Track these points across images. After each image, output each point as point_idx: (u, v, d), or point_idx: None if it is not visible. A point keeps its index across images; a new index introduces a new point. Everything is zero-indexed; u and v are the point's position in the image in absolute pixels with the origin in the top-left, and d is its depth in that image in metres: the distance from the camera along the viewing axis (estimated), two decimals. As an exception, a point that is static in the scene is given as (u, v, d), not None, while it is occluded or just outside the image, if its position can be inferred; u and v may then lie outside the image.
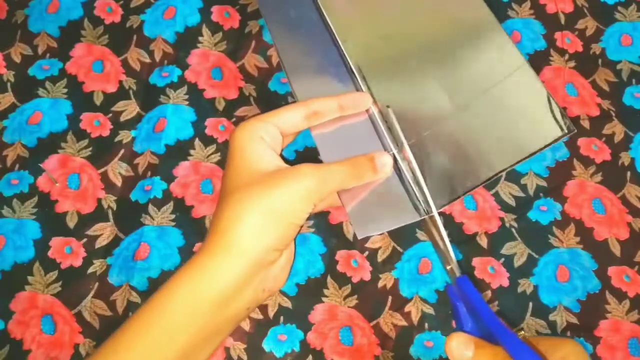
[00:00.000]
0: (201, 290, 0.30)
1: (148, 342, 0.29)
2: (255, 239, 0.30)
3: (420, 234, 0.44)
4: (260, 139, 0.33)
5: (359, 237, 0.34)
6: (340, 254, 0.44)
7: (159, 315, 0.29)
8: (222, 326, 0.31)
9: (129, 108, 0.48)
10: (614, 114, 0.48)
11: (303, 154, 0.47)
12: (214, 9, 0.52)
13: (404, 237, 0.44)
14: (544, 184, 0.45)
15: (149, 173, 0.46)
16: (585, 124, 0.47)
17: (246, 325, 0.42)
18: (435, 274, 0.43)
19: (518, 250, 0.44)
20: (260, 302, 0.34)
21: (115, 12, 0.52)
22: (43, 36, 0.51)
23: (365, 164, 0.34)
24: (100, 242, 0.44)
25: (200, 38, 0.50)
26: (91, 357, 0.30)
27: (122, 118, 0.48)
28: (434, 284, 0.43)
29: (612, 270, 0.43)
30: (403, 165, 0.36)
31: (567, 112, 0.48)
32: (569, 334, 0.41)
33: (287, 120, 0.34)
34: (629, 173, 0.46)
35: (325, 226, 0.44)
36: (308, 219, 0.43)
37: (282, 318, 0.42)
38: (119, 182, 0.46)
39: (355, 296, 0.42)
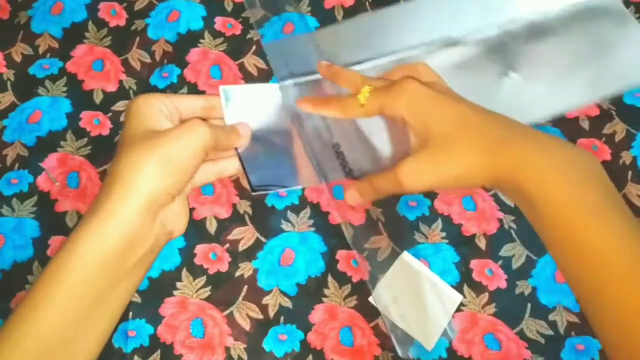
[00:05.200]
0: (105, 240, 0.30)
1: (63, 295, 0.29)
2: (151, 182, 0.31)
3: (419, 236, 0.41)
4: (159, 109, 0.34)
5: (255, 187, 0.38)
6: (340, 254, 0.41)
7: (69, 270, 0.29)
8: (131, 271, 0.31)
9: (130, 108, 0.45)
10: (614, 113, 0.45)
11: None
12: (217, 19, 0.49)
13: (402, 237, 0.41)
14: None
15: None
16: (585, 124, 0.45)
17: (246, 325, 0.39)
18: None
19: (517, 252, 0.41)
20: (163, 245, 0.34)
21: (119, 15, 0.49)
22: (45, 37, 0.48)
23: (235, 130, 0.38)
24: (100, 242, 0.41)
25: (201, 40, 0.48)
26: (12, 316, 0.29)
27: (122, 118, 0.45)
28: (434, 284, 0.40)
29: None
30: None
31: (566, 114, 0.45)
32: (572, 334, 0.39)
33: (187, 104, 0.36)
34: (630, 172, 0.43)
35: (325, 225, 0.42)
36: (309, 218, 0.41)
37: (282, 318, 0.40)
38: (118, 182, 0.43)
39: (355, 296, 0.40)
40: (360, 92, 0.35)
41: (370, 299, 0.40)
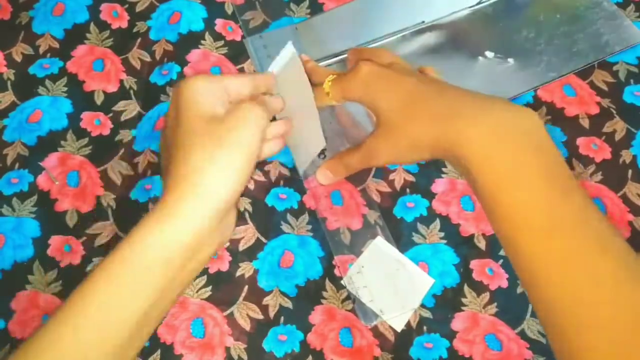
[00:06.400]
0: (175, 234, 0.27)
1: (122, 292, 0.26)
2: (225, 180, 0.28)
3: (417, 237, 0.41)
4: (213, 93, 0.31)
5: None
6: (338, 258, 0.40)
7: (132, 267, 0.26)
8: (187, 277, 0.29)
9: (130, 108, 0.45)
10: (615, 111, 0.44)
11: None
12: (218, 21, 0.49)
13: (400, 239, 0.41)
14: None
15: (149, 172, 0.43)
16: (585, 122, 0.44)
17: (247, 325, 0.39)
18: (434, 278, 0.40)
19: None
20: (215, 252, 0.32)
21: (121, 16, 0.49)
22: (46, 37, 0.48)
23: (273, 101, 0.35)
24: (100, 241, 0.41)
25: (202, 41, 0.47)
26: (59, 310, 0.26)
27: (123, 118, 0.45)
28: (432, 289, 0.40)
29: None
30: None
31: (566, 112, 0.45)
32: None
33: (234, 85, 0.33)
34: (630, 171, 0.43)
35: (322, 231, 0.41)
36: (307, 223, 0.42)
37: (282, 318, 0.39)
38: (118, 181, 0.43)
39: (353, 299, 0.39)
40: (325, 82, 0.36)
41: (343, 281, 0.40)
